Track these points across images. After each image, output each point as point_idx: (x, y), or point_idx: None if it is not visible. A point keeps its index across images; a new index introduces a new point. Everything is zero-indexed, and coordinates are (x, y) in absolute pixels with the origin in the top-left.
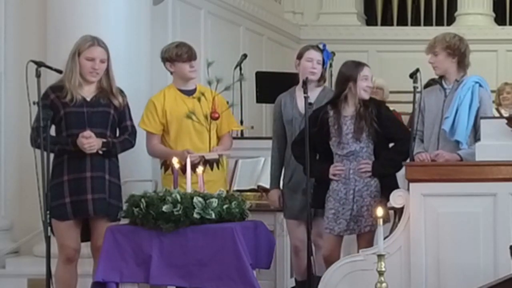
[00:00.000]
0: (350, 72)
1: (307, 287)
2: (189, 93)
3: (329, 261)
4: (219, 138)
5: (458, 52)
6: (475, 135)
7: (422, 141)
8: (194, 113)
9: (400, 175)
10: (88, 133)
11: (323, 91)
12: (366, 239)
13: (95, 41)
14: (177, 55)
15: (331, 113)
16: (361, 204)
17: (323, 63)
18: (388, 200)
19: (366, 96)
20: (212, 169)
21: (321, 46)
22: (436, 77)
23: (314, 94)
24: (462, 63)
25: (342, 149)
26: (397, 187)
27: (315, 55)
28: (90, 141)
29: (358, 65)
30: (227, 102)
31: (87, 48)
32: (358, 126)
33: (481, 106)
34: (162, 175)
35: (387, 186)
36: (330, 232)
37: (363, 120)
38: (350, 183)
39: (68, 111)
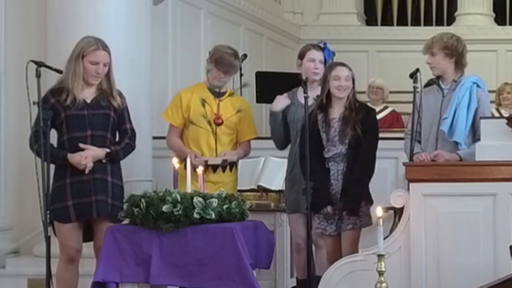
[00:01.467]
0: (325, 73)
1: (308, 287)
2: (219, 95)
3: (333, 260)
4: (238, 144)
5: (456, 53)
6: (474, 135)
7: (418, 141)
8: (205, 117)
9: (400, 175)
10: (86, 153)
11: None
12: (349, 239)
13: (99, 45)
14: (217, 61)
15: (320, 116)
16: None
17: (325, 62)
18: (368, 200)
19: (339, 95)
20: (224, 171)
21: (322, 45)
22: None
23: (317, 92)
24: (460, 63)
25: (328, 151)
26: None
27: (317, 55)
28: (87, 161)
29: (332, 66)
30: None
31: (92, 52)
32: (342, 129)
33: (479, 106)
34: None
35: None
36: (322, 232)
37: (347, 123)
38: (338, 184)
39: (69, 114)
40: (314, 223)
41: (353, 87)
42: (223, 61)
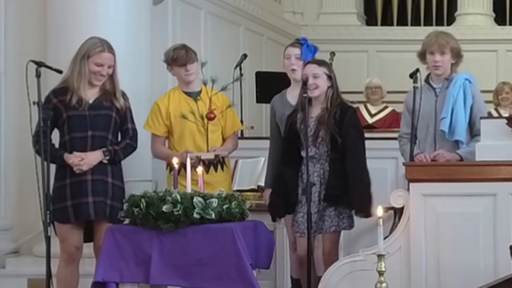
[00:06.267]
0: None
1: (307, 287)
2: (194, 95)
3: (305, 262)
4: (224, 140)
5: (459, 54)
6: (471, 131)
7: (414, 143)
8: (194, 112)
9: (400, 175)
10: (81, 155)
11: None
12: (330, 239)
13: (105, 47)
14: (173, 59)
15: (300, 114)
16: (327, 205)
17: (312, 57)
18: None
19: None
20: (216, 170)
21: (302, 42)
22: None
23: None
24: (457, 64)
25: (304, 151)
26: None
27: (292, 51)
28: (79, 165)
29: (306, 64)
30: (231, 103)
31: (97, 54)
32: (314, 130)
33: (474, 102)
34: (167, 175)
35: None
36: (300, 235)
37: (320, 125)
38: (316, 186)
39: (71, 114)
40: (294, 227)
41: (332, 87)
42: (177, 56)
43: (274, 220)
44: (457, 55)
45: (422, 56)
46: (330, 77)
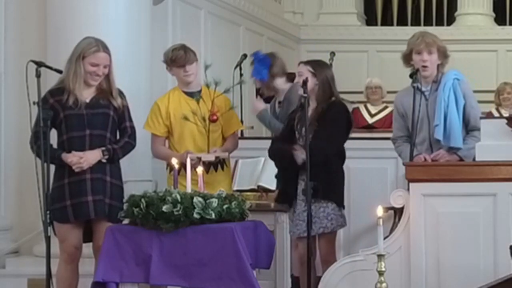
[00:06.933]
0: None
1: (307, 286)
2: (194, 95)
3: (303, 261)
4: (225, 139)
5: (446, 54)
6: (466, 127)
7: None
8: (196, 113)
9: (400, 175)
10: (79, 154)
11: (292, 88)
12: (325, 240)
13: (100, 46)
14: (172, 59)
15: (298, 114)
16: (319, 205)
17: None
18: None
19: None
20: (216, 170)
21: (253, 57)
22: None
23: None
24: (443, 65)
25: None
26: (338, 186)
27: None
28: (80, 163)
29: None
30: (232, 104)
31: (92, 54)
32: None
33: (466, 100)
34: (167, 175)
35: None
36: (293, 234)
37: (311, 125)
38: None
39: (68, 113)
40: (290, 227)
41: (320, 86)
42: (175, 57)
43: (285, 203)
44: (444, 55)
45: (407, 57)
46: (315, 75)
